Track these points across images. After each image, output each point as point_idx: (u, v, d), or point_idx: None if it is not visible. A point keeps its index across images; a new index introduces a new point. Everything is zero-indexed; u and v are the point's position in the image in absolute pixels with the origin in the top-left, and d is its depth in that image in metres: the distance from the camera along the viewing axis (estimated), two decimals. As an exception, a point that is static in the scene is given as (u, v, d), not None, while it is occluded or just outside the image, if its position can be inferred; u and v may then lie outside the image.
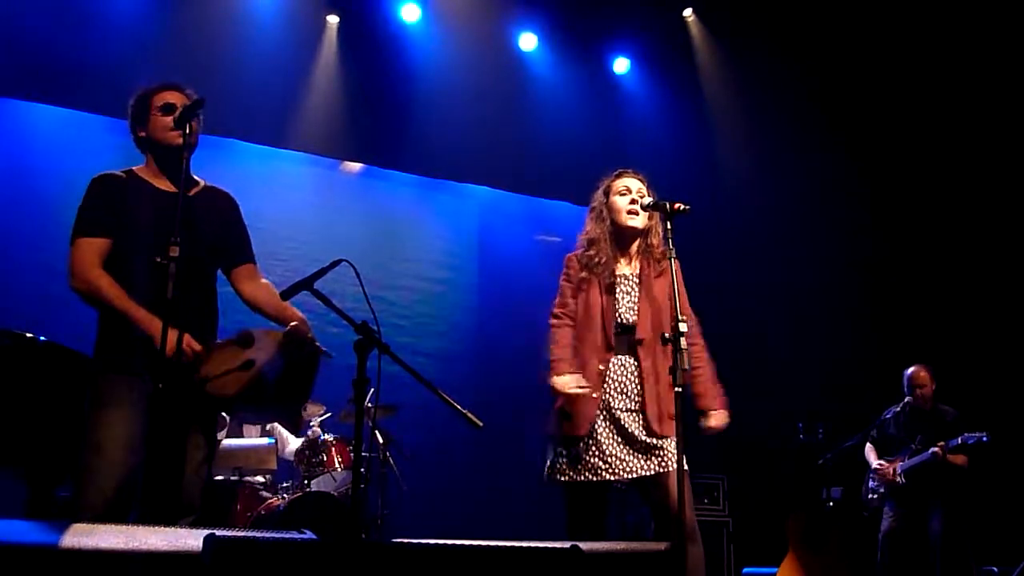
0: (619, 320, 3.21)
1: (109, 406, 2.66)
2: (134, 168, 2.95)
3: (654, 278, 3.28)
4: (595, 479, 3.06)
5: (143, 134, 2.93)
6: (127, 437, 2.63)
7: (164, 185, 2.92)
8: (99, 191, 2.83)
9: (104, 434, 2.63)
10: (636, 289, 3.27)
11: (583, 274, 3.28)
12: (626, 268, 3.32)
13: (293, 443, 5.57)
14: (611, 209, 3.33)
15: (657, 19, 7.49)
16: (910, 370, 5.71)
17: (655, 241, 3.35)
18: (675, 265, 3.10)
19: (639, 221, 3.30)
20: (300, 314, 2.96)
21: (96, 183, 2.86)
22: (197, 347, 2.69)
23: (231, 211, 3.09)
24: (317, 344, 2.88)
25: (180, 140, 2.84)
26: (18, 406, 2.89)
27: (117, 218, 2.79)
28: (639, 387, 3.17)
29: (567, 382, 3.10)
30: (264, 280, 3.11)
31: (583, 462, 3.08)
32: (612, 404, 3.12)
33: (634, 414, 3.13)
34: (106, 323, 2.78)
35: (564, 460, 3.12)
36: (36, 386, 2.91)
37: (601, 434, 3.09)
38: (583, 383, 3.09)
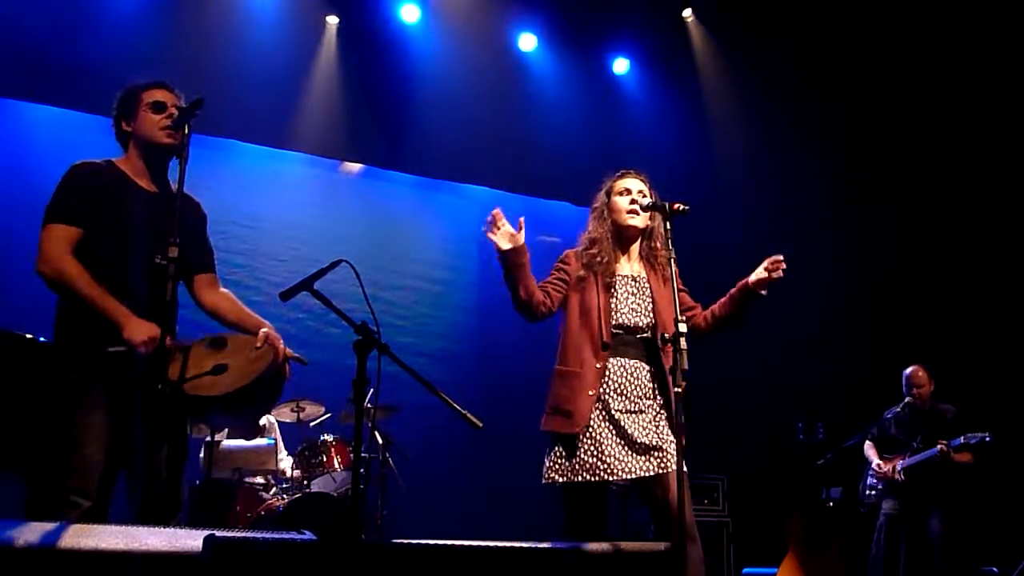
0: (620, 321, 3.21)
1: (87, 407, 2.64)
2: (114, 160, 2.92)
3: (661, 283, 3.28)
4: (594, 479, 3.06)
5: (128, 129, 2.91)
6: (105, 438, 2.63)
7: (144, 183, 2.90)
8: (78, 180, 2.80)
9: (84, 435, 2.61)
10: (641, 292, 3.27)
11: (581, 272, 3.27)
12: (627, 269, 3.33)
13: (285, 462, 5.54)
14: (612, 209, 3.35)
15: (656, 20, 7.50)
16: (908, 370, 5.72)
17: (658, 244, 3.35)
18: (674, 266, 3.11)
19: (639, 221, 3.31)
20: (265, 321, 2.96)
21: (75, 171, 2.82)
22: (169, 342, 2.67)
23: (200, 218, 3.09)
24: (288, 352, 2.88)
25: (169, 140, 2.84)
26: (18, 406, 2.89)
27: (95, 210, 2.76)
28: (651, 392, 3.17)
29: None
30: (223, 289, 3.11)
31: (581, 462, 3.08)
32: (611, 405, 3.12)
33: (633, 415, 3.12)
34: (71, 315, 2.74)
35: (562, 461, 3.12)
36: (35, 387, 2.91)
37: (600, 434, 3.09)
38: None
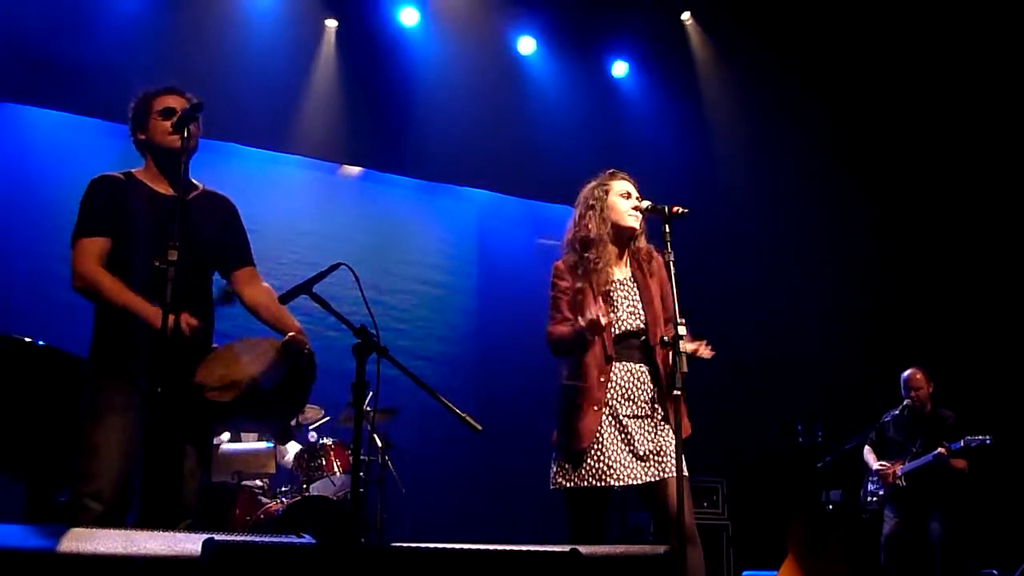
0: (622, 327, 3.20)
1: (106, 411, 2.66)
2: (133, 171, 2.96)
3: (649, 279, 3.29)
4: (600, 485, 3.07)
5: (143, 137, 2.94)
6: (124, 442, 2.64)
7: (163, 188, 2.93)
8: (99, 192, 2.85)
9: (101, 438, 2.63)
10: (633, 293, 3.27)
11: (578, 284, 3.23)
12: (619, 272, 3.32)
13: (291, 451, 5.57)
14: (612, 209, 3.31)
15: (655, 23, 7.50)
16: (906, 373, 5.72)
17: (642, 244, 3.37)
18: (672, 269, 3.11)
19: (638, 223, 3.31)
20: (298, 323, 2.95)
21: (95, 184, 2.87)
22: (194, 321, 2.69)
23: (230, 215, 3.10)
24: (314, 357, 2.87)
25: (179, 144, 2.84)
26: (17, 410, 2.89)
27: (117, 219, 2.80)
28: (652, 393, 3.18)
29: (590, 317, 2.98)
30: (265, 284, 3.11)
31: (588, 468, 3.08)
32: (619, 411, 3.12)
33: (640, 420, 3.13)
34: (104, 325, 2.79)
35: (568, 466, 3.12)
36: (35, 390, 2.91)
37: (607, 441, 3.09)
38: (597, 311, 2.99)
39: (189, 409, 2.70)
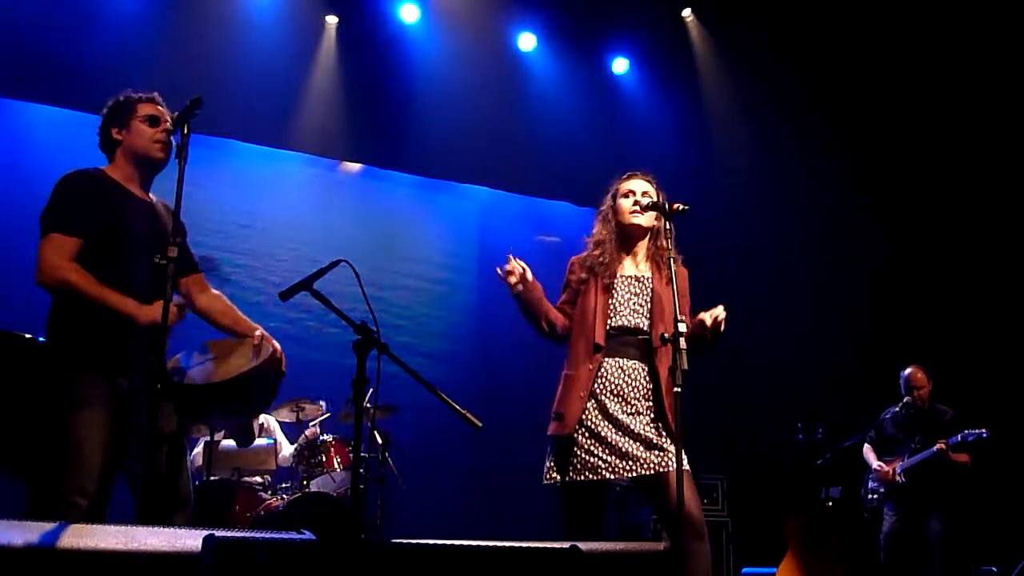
0: (620, 323, 3.21)
1: (84, 406, 2.67)
2: (103, 168, 2.95)
3: (664, 284, 3.28)
4: (594, 478, 3.07)
5: (119, 137, 2.93)
6: (103, 436, 2.65)
7: (134, 189, 2.94)
8: (74, 188, 2.82)
9: (83, 434, 2.63)
10: (643, 292, 3.27)
11: (583, 275, 3.30)
12: (632, 269, 3.33)
13: (286, 449, 5.57)
14: (616, 211, 3.36)
15: (656, 19, 7.50)
16: (907, 371, 5.71)
17: (665, 244, 3.35)
18: (675, 267, 3.10)
19: (642, 220, 3.31)
20: (257, 325, 2.97)
21: (70, 180, 2.84)
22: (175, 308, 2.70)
23: (182, 224, 3.11)
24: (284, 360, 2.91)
25: (162, 155, 2.90)
26: (17, 407, 2.89)
27: (93, 217, 2.79)
28: (649, 393, 3.17)
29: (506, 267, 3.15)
30: (215, 290, 3.12)
31: (582, 461, 3.09)
32: (608, 406, 3.12)
33: (631, 417, 3.13)
34: (72, 318, 2.76)
35: (562, 460, 3.13)
36: (35, 387, 2.91)
37: (599, 433, 3.10)
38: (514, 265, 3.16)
39: (169, 399, 2.69)
